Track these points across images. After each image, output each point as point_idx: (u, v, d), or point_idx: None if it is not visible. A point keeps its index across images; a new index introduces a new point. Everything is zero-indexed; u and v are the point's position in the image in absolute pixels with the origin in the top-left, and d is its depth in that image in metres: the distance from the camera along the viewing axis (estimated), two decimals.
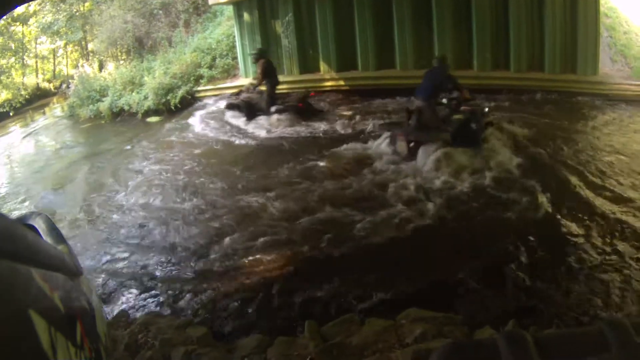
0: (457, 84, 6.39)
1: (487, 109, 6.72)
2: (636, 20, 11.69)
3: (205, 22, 11.98)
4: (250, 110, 8.03)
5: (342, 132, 7.65)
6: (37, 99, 16.28)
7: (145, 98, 10.84)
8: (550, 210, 4.88)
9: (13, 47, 17.25)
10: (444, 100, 6.46)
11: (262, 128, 7.86)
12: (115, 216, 5.90)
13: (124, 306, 4.25)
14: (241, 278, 4.30)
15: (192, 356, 3.07)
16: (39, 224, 1.41)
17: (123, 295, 4.41)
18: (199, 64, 11.04)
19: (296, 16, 10.13)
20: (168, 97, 10.73)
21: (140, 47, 12.56)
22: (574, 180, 5.53)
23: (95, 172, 7.77)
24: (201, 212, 5.59)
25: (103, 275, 4.65)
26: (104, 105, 11.68)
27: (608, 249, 4.24)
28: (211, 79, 10.82)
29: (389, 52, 9.67)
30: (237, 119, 8.23)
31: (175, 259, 4.76)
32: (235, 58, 10.76)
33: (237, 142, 7.71)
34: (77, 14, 15.22)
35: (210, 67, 10.95)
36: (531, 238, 4.44)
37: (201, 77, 10.89)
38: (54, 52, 17.85)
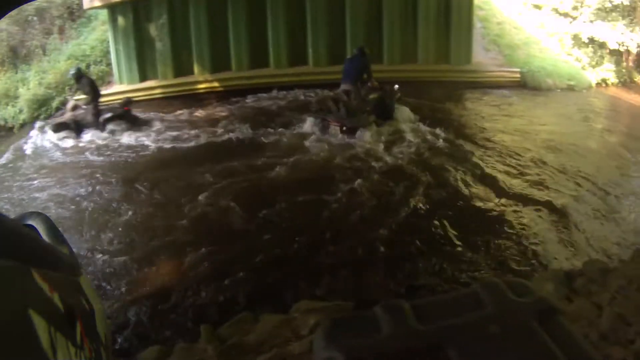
0: (370, 74, 7.41)
1: (396, 87, 7.64)
2: (509, 11, 12.31)
3: (80, 27, 11.39)
4: (78, 127, 7.65)
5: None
6: None
7: (20, 111, 10.15)
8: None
9: None
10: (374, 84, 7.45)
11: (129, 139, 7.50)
12: None
13: None
14: (132, 291, 4.20)
15: None
16: (39, 224, 1.35)
17: None
18: None
19: (170, 18, 9.82)
20: (42, 109, 10.08)
21: (15, 56, 11.75)
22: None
23: None
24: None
25: None
26: None
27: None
28: None
29: (262, 51, 9.57)
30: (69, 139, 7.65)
31: None
32: (109, 64, 10.28)
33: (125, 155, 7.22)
34: None
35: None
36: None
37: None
38: None
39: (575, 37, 12.84)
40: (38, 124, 8.21)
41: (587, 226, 5.10)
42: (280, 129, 7.41)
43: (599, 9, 12.94)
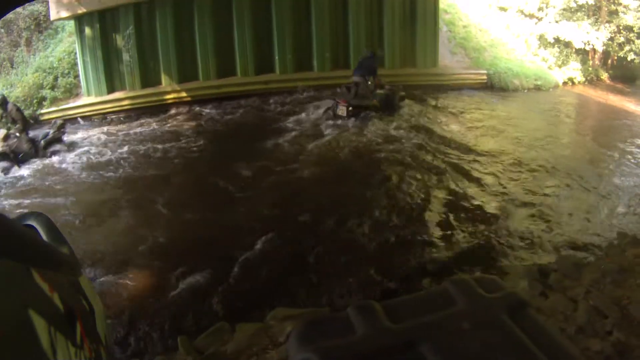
0: (376, 73, 8.50)
1: (402, 87, 8.97)
2: (474, 15, 12.53)
3: (47, 39, 11.32)
4: (16, 156, 7.27)
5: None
6: None
7: None
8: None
9: None
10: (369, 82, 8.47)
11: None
12: None
13: None
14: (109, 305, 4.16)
15: None
16: (39, 224, 1.36)
17: None
18: (41, 85, 10.34)
19: (137, 29, 9.80)
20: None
21: None
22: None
23: None
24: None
25: None
26: None
27: None
28: (54, 100, 10.17)
29: (229, 60, 9.62)
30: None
31: None
32: (77, 76, 10.22)
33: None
34: None
35: (53, 88, 10.28)
36: None
37: (44, 99, 10.24)
38: None
39: (541, 38, 13.13)
40: None
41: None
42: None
43: (564, 9, 13.24)
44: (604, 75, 14.24)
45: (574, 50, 13.39)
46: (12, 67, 11.23)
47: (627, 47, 13.96)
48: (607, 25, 13.63)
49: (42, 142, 7.54)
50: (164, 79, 9.65)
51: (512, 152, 7.44)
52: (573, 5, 13.14)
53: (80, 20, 10.08)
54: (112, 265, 4.49)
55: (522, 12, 13.20)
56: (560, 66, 13.03)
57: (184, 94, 9.42)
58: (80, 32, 10.13)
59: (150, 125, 8.81)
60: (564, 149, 8.03)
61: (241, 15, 9.69)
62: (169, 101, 9.47)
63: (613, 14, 13.77)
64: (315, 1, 9.88)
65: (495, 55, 11.77)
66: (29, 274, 0.72)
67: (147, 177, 6.62)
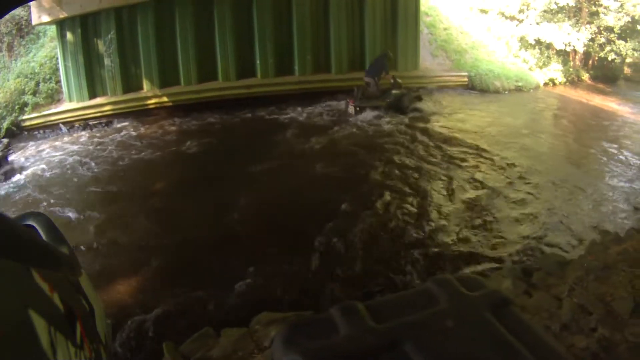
0: (388, 72, 9.28)
1: (418, 89, 9.69)
2: (455, 17, 12.67)
3: (29, 44, 11.29)
4: None
5: None
6: None
7: None
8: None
9: None
10: (392, 80, 9.32)
11: None
12: None
13: None
14: None
15: None
16: (39, 224, 1.35)
17: None
18: (22, 91, 10.33)
19: (118, 34, 9.82)
20: None
21: None
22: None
23: None
24: None
25: None
26: None
27: None
28: (36, 106, 10.17)
29: (211, 64, 9.66)
30: None
31: None
32: (59, 82, 10.22)
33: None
34: None
35: (35, 94, 10.27)
36: None
37: (26, 105, 10.22)
38: None
39: (522, 40, 13.30)
40: None
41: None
42: None
43: (545, 11, 13.42)
44: (585, 76, 14.45)
45: (555, 51, 13.58)
46: None
47: (607, 48, 14.17)
48: (587, 26, 13.83)
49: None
50: (146, 84, 9.68)
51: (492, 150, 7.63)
52: (554, 7, 13.32)
53: (61, 25, 10.08)
54: None
55: (503, 14, 13.37)
56: (541, 67, 13.21)
57: (165, 99, 9.46)
58: (61, 37, 10.13)
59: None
60: (542, 147, 8.22)
61: (222, 19, 9.74)
62: (151, 106, 9.50)
63: (594, 15, 13.97)
64: (296, 5, 9.95)
65: (476, 57, 11.92)
66: (29, 274, 0.71)
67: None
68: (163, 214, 5.72)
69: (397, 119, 8.76)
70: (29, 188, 6.81)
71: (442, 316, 1.10)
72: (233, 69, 9.70)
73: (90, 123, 9.51)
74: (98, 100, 9.76)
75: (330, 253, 4.67)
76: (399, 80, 9.32)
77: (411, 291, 1.29)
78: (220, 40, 9.74)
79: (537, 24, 13.23)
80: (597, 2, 13.80)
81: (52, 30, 10.70)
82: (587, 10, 13.94)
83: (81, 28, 9.94)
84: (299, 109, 9.30)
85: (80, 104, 9.77)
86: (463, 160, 7.09)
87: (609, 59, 14.33)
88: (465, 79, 11.38)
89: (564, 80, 13.56)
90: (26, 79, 10.47)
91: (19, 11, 11.56)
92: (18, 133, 10.10)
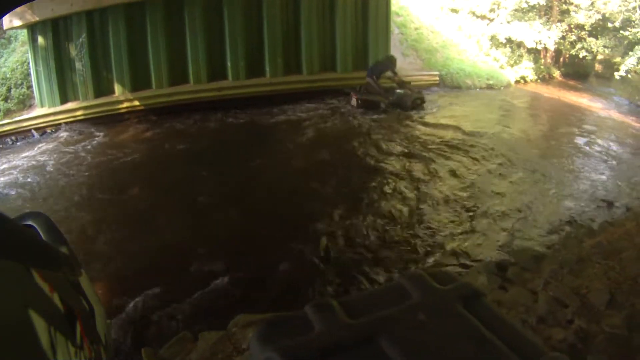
0: (395, 72, 10.01)
1: (422, 91, 10.31)
2: (426, 17, 12.88)
3: (0, 49, 11.30)
4: None
5: None
6: None
7: None
8: None
9: None
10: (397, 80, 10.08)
11: None
12: None
13: None
14: None
15: None
16: (39, 224, 1.34)
17: None
18: None
19: (90, 37, 9.83)
20: None
21: None
22: None
23: None
24: None
25: None
26: None
27: None
28: (7, 112, 10.17)
29: (182, 67, 9.74)
30: None
31: None
32: (30, 87, 10.23)
33: None
34: None
35: (6, 99, 10.27)
36: None
37: None
38: None
39: (493, 38, 13.55)
40: None
41: None
42: None
43: (515, 10, 13.68)
44: (556, 73, 14.76)
45: (526, 49, 13.85)
46: None
47: (578, 45, 14.46)
48: (558, 24, 14.12)
49: None
50: (117, 88, 9.72)
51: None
52: (524, 5, 13.58)
53: (33, 29, 10.07)
54: None
55: (473, 13, 13.61)
56: (512, 65, 13.48)
57: (136, 103, 9.51)
58: (33, 41, 10.12)
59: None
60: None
61: (193, 22, 9.81)
62: (122, 110, 9.54)
63: (564, 13, 14.26)
64: (267, 8, 10.06)
65: (447, 56, 12.15)
66: (29, 274, 0.71)
67: None
68: (138, 219, 5.79)
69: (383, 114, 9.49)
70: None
71: (414, 310, 1.11)
72: (204, 71, 9.79)
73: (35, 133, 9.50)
74: (70, 105, 9.76)
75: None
76: (406, 82, 10.05)
77: (384, 287, 1.33)
78: (192, 43, 9.81)
79: (508, 22, 13.49)
80: (567, 1, 14.10)
81: (24, 34, 10.69)
82: (557, 8, 14.24)
83: (52, 32, 9.93)
84: (275, 110, 9.48)
85: (52, 109, 9.77)
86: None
87: (580, 56, 14.63)
88: (437, 78, 11.60)
89: (536, 77, 13.84)
90: None
91: None
92: None
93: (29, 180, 7.31)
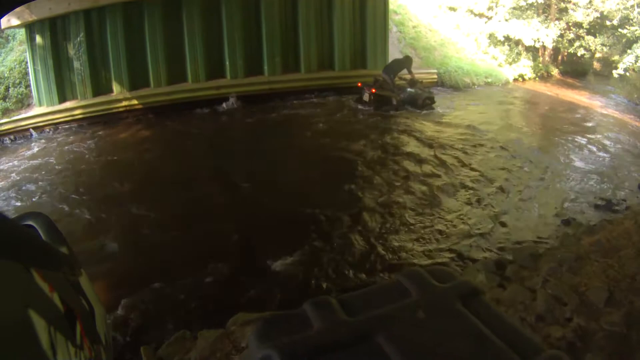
0: (411, 71, 10.12)
1: (432, 91, 10.48)
2: (424, 15, 12.87)
3: None
4: None
5: None
6: None
7: None
8: None
9: None
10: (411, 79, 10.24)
11: None
12: None
13: None
14: None
15: None
16: (39, 225, 1.34)
17: None
18: None
19: (87, 36, 9.80)
20: None
21: None
22: None
23: None
24: None
25: None
26: None
27: None
28: (6, 111, 10.13)
29: (180, 66, 9.72)
30: None
31: None
32: (28, 86, 10.20)
33: None
34: None
35: (4, 99, 10.23)
36: None
37: None
38: None
39: (491, 36, 13.55)
40: None
41: None
42: None
43: (514, 8, 13.67)
44: (555, 71, 14.77)
45: (524, 47, 13.86)
46: None
47: (577, 43, 14.49)
48: (556, 22, 14.13)
49: None
50: (115, 86, 9.70)
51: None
52: (523, 3, 13.59)
53: (30, 28, 10.03)
54: None
55: (471, 11, 13.61)
56: (510, 63, 13.49)
57: (135, 102, 9.50)
58: (31, 40, 10.09)
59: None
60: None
61: (191, 21, 9.80)
62: (121, 109, 9.53)
63: (563, 11, 14.28)
64: (265, 7, 10.04)
65: (445, 54, 12.15)
66: (29, 274, 0.71)
67: None
68: (143, 214, 5.80)
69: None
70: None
71: (413, 308, 1.11)
72: (202, 70, 9.78)
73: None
74: (68, 104, 9.74)
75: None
76: (419, 82, 10.21)
77: (382, 284, 1.33)
78: (190, 42, 9.80)
79: (506, 20, 13.49)
80: None
81: (22, 33, 10.65)
82: (556, 6, 14.25)
83: (50, 31, 9.90)
84: (278, 106, 9.51)
85: (50, 109, 9.74)
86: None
87: (578, 54, 14.65)
88: (435, 76, 11.60)
89: (534, 75, 13.85)
90: None
91: None
92: None
93: (27, 180, 7.31)
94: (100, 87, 9.74)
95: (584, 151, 8.28)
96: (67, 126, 9.62)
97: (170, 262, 4.78)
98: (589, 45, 14.45)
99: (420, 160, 7.20)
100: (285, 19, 10.27)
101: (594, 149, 8.39)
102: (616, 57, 14.08)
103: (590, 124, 10.08)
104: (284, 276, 4.46)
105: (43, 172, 7.74)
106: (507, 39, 13.49)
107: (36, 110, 9.97)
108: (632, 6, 13.13)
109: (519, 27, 13.38)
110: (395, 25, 12.05)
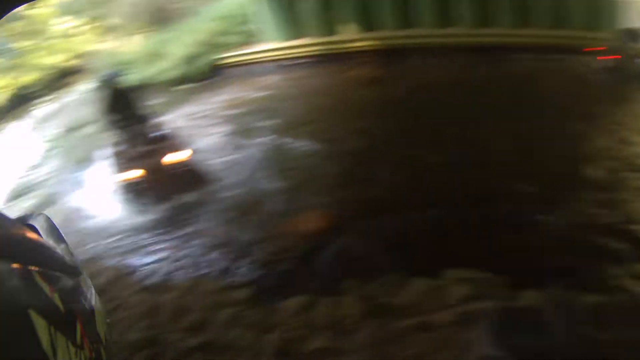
0: None
1: None
2: None
3: None
4: None
5: None
6: (62, 77, 16.63)
7: (170, 68, 11.05)
8: None
9: (34, 30, 17.62)
10: None
11: None
12: None
13: (166, 269, 4.41)
14: (285, 237, 4.43)
15: (238, 317, 3.21)
16: (39, 224, 1.39)
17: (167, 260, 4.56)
18: (224, 31, 11.12)
19: None
20: (193, 66, 10.87)
21: (163, 18, 12.72)
22: None
23: None
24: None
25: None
26: (129, 78, 11.90)
27: None
28: (237, 46, 10.91)
29: (408, 9, 9.49)
30: None
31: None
32: (257, 23, 10.74)
33: None
34: None
35: (233, 34, 11.01)
36: None
37: (227, 44, 10.99)
38: (75, 30, 18.19)
39: None
40: None
41: None
42: None
43: None
44: None
45: None
46: (192, 15, 12.11)
47: None
48: None
49: None
50: (346, 27, 9.79)
51: None
52: None
53: None
54: None
55: None
56: None
57: (366, 44, 9.52)
58: None
59: None
60: None
61: None
62: (351, 50, 9.61)
63: None
64: None
65: None
66: (29, 274, 0.70)
67: None
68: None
69: None
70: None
71: None
72: (433, 16, 9.46)
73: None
74: (297, 41, 10.10)
75: None
76: None
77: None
78: None
79: None
80: None
81: None
82: None
83: None
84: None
85: (280, 45, 10.20)
86: None
87: None
88: None
89: None
90: (224, 20, 11.17)
91: None
92: (218, 69, 10.92)
93: (264, 108, 7.92)
94: (330, 26, 9.91)
95: None
96: (296, 62, 9.99)
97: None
98: None
99: None
100: None
101: None
102: None
103: None
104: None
105: (278, 101, 8.26)
106: None
107: (264, 46, 10.50)
108: None
109: None
110: None
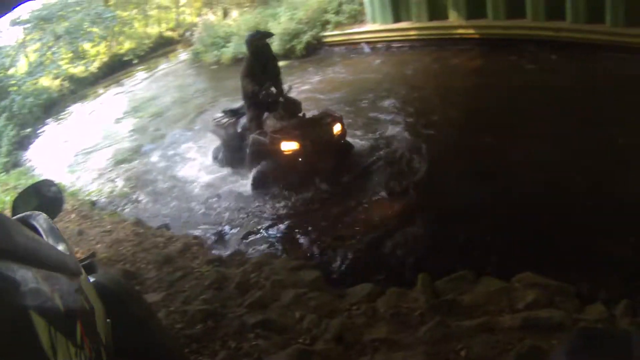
0: None
1: None
2: None
3: None
4: None
5: None
6: (161, 47, 17.72)
7: (270, 43, 11.70)
8: None
9: (136, 0, 18.82)
10: None
11: None
12: None
13: (239, 246, 4.70)
14: (357, 224, 4.62)
15: (302, 299, 3.19)
16: (40, 224, 1.40)
17: (240, 236, 4.88)
18: (325, 10, 11.59)
19: None
20: (293, 43, 11.43)
21: None
22: None
23: None
24: None
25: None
26: (228, 51, 12.74)
27: None
28: (338, 25, 11.36)
29: (520, 1, 9.62)
30: None
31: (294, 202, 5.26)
32: (362, 4, 11.18)
33: None
34: None
35: (337, 13, 11.43)
36: None
37: (327, 22, 11.49)
38: (176, 1, 19.20)
39: None
40: None
41: None
42: None
43: None
44: None
45: None
46: None
47: None
48: None
49: None
50: (452, 13, 10.01)
51: None
52: None
53: None
54: None
55: None
56: None
57: (471, 31, 9.78)
58: None
59: None
60: None
61: None
62: (456, 36, 9.85)
63: None
64: None
65: None
66: (29, 274, 0.71)
67: None
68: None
69: None
70: None
71: None
72: (542, 7, 9.56)
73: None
74: (402, 24, 10.45)
75: None
76: None
77: None
78: None
79: None
80: None
81: None
82: None
83: None
84: None
85: (384, 26, 10.59)
86: None
87: None
88: None
89: None
90: None
91: None
92: (318, 47, 11.53)
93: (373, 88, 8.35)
94: (436, 11, 10.12)
95: None
96: (399, 45, 10.41)
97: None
98: None
99: None
100: None
101: None
102: None
103: None
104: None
105: (378, 82, 8.65)
106: None
107: (369, 26, 10.96)
108: None
109: None
110: None
